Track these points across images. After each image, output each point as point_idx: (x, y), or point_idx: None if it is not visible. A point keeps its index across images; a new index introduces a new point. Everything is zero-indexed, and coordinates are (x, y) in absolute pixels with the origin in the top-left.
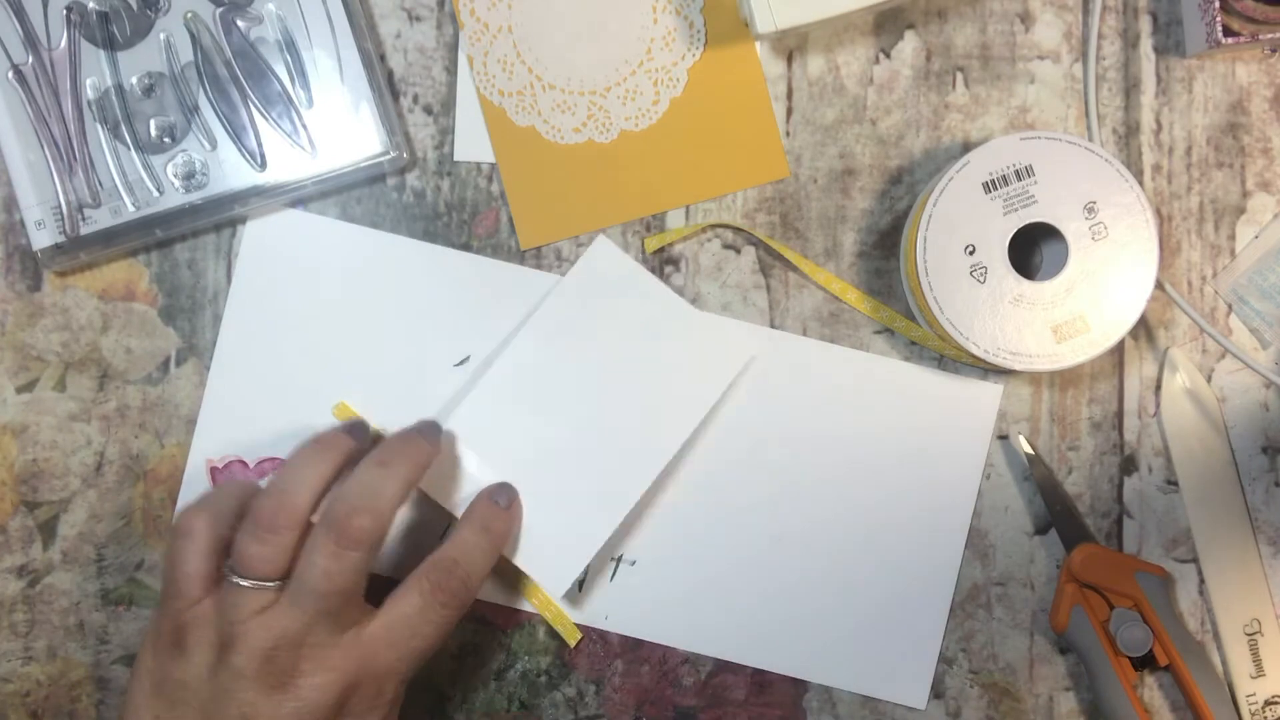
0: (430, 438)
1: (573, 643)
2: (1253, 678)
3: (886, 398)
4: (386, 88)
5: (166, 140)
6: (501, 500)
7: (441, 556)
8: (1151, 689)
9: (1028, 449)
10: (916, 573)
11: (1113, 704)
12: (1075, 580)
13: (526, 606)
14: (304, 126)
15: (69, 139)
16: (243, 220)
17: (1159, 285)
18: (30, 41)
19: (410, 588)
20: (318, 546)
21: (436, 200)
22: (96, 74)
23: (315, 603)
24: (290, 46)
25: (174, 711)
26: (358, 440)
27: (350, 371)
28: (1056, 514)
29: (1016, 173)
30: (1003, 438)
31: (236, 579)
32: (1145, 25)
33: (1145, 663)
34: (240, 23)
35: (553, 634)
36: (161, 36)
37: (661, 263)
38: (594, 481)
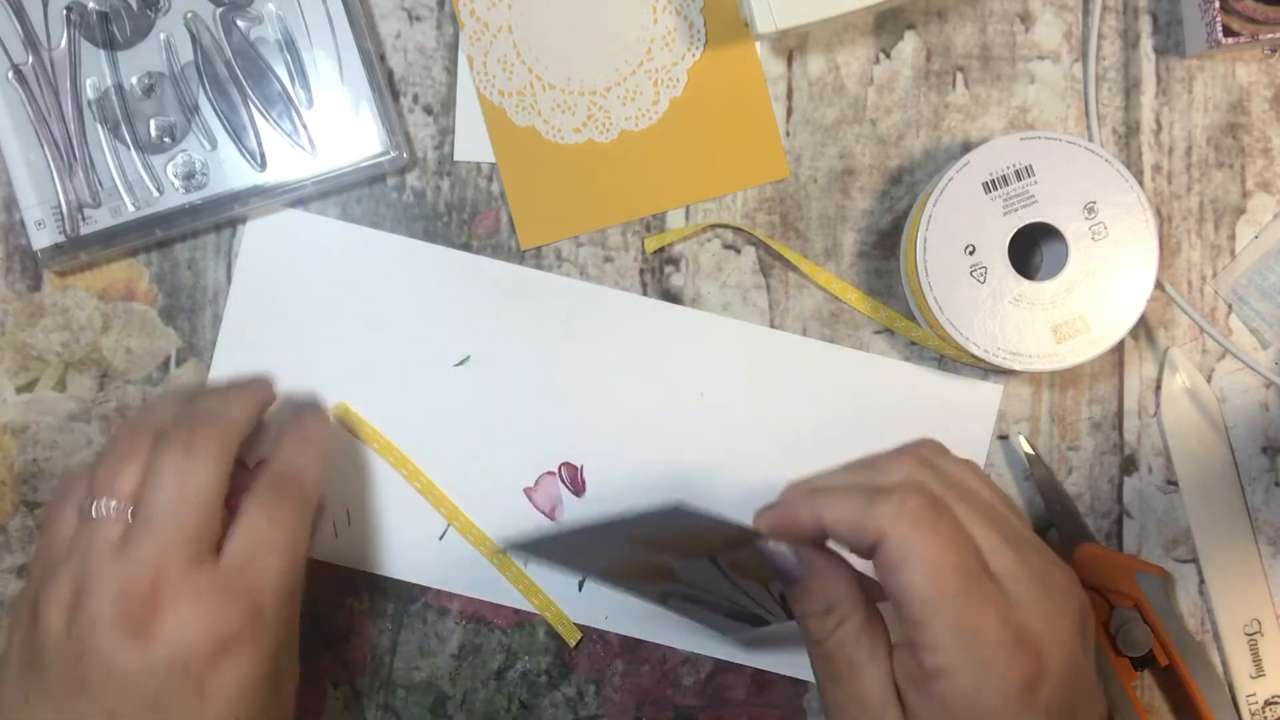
0: (272, 381)
1: (572, 642)
2: (1253, 678)
3: (886, 398)
4: (386, 88)
5: (166, 140)
6: (311, 409)
7: (272, 469)
8: (1151, 689)
9: (1028, 449)
10: None
11: (1112, 704)
12: None
13: (526, 606)
14: (304, 126)
15: (69, 139)
16: (243, 220)
17: (1159, 285)
18: (30, 41)
19: (248, 504)
20: (164, 459)
21: (436, 200)
22: (96, 74)
23: (167, 523)
24: (290, 46)
25: (41, 684)
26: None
27: (350, 371)
28: (1056, 514)
29: (1016, 173)
30: (1003, 438)
31: (92, 504)
32: (1145, 25)
33: (1145, 663)
34: (240, 23)
35: (553, 634)
36: (161, 36)
37: (661, 263)
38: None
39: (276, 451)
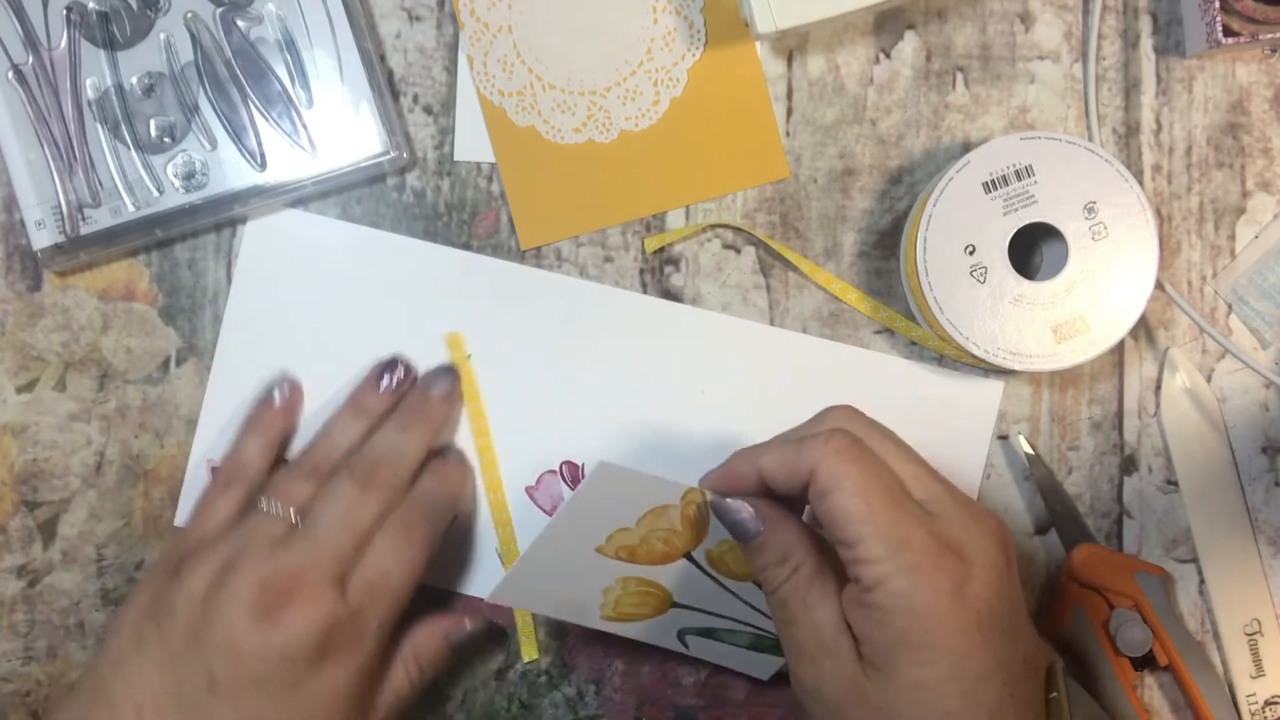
0: (446, 394)
1: (526, 659)
2: (1253, 678)
3: (886, 397)
4: (386, 88)
5: (166, 140)
6: (452, 455)
7: (408, 506)
8: (1151, 689)
9: (1028, 449)
10: None
11: (1113, 704)
12: (1075, 580)
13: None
14: (304, 126)
15: (69, 139)
16: (243, 220)
17: (1159, 285)
18: (30, 41)
19: (382, 537)
20: (340, 486)
21: (436, 200)
22: (96, 74)
23: (327, 539)
24: (290, 46)
25: (160, 631)
26: (390, 388)
27: (350, 371)
28: (1056, 514)
29: (1016, 173)
30: (1003, 438)
31: (264, 503)
32: (1145, 25)
33: (1145, 663)
34: (240, 23)
35: (552, 634)
36: (161, 36)
37: (661, 263)
38: None
39: (416, 485)
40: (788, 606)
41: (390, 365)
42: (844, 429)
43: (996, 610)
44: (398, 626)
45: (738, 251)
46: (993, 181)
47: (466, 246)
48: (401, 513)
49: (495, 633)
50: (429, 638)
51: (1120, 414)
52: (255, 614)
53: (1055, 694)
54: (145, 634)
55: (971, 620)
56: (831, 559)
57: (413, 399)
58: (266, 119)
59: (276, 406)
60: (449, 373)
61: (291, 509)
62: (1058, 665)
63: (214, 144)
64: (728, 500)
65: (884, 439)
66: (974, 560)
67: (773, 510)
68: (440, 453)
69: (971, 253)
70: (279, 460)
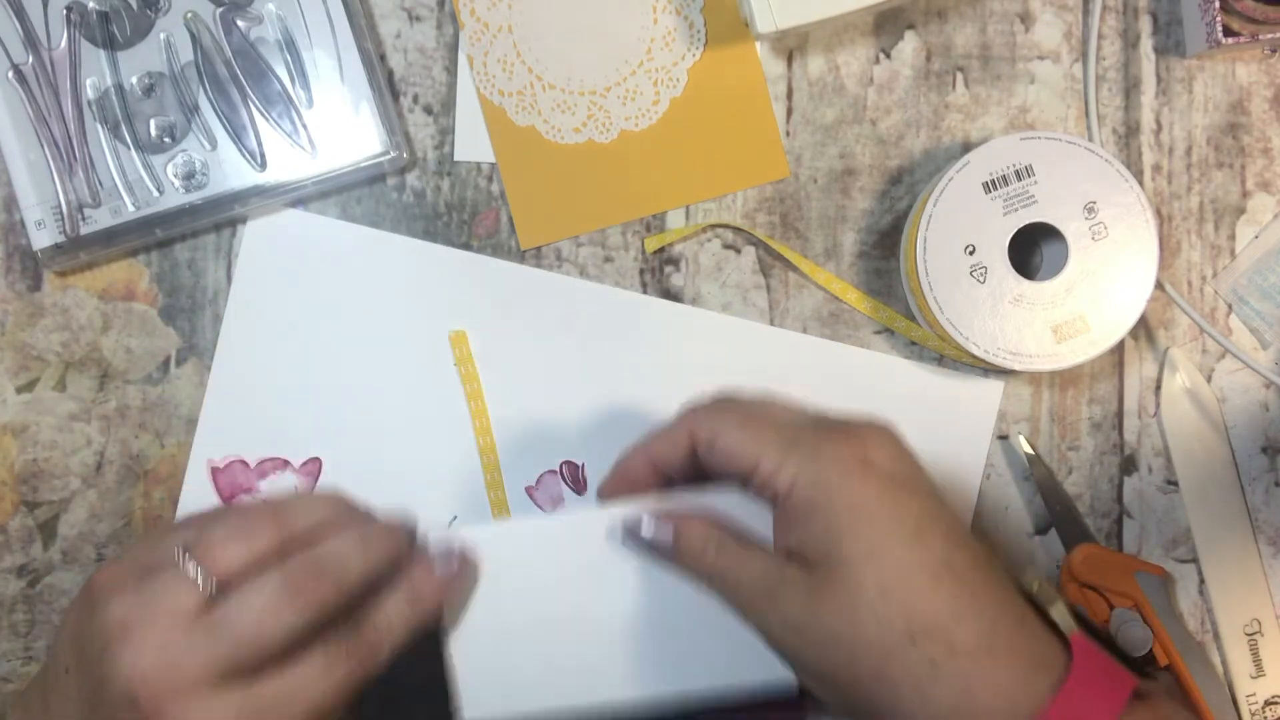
0: (446, 570)
1: None
2: (1253, 678)
3: (886, 397)
4: (386, 88)
5: (166, 140)
6: (439, 568)
7: (363, 622)
8: None
9: (1028, 449)
10: None
11: None
12: (1075, 581)
13: None
14: (304, 126)
15: (69, 139)
16: (243, 220)
17: (1159, 285)
18: (30, 41)
19: (315, 649)
20: (266, 583)
21: (436, 200)
22: (96, 74)
23: (227, 640)
24: (290, 46)
25: (78, 670)
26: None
27: (350, 371)
28: (1056, 514)
29: (1016, 173)
30: (1003, 438)
31: (182, 556)
32: (1145, 25)
33: (1145, 663)
34: (240, 23)
35: None
36: (161, 36)
37: (661, 263)
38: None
39: (376, 603)
40: (725, 578)
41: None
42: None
43: (911, 473)
44: None
45: (738, 251)
46: (993, 181)
47: (466, 246)
48: (351, 637)
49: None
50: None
51: (1120, 414)
52: (136, 710)
53: (1032, 576)
54: (70, 659)
55: (889, 481)
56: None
57: (386, 529)
58: (266, 119)
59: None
60: (455, 555)
61: (209, 573)
62: (1030, 568)
63: (214, 144)
64: (631, 525)
65: (761, 396)
66: (868, 438)
67: (673, 514)
68: (431, 562)
69: (971, 253)
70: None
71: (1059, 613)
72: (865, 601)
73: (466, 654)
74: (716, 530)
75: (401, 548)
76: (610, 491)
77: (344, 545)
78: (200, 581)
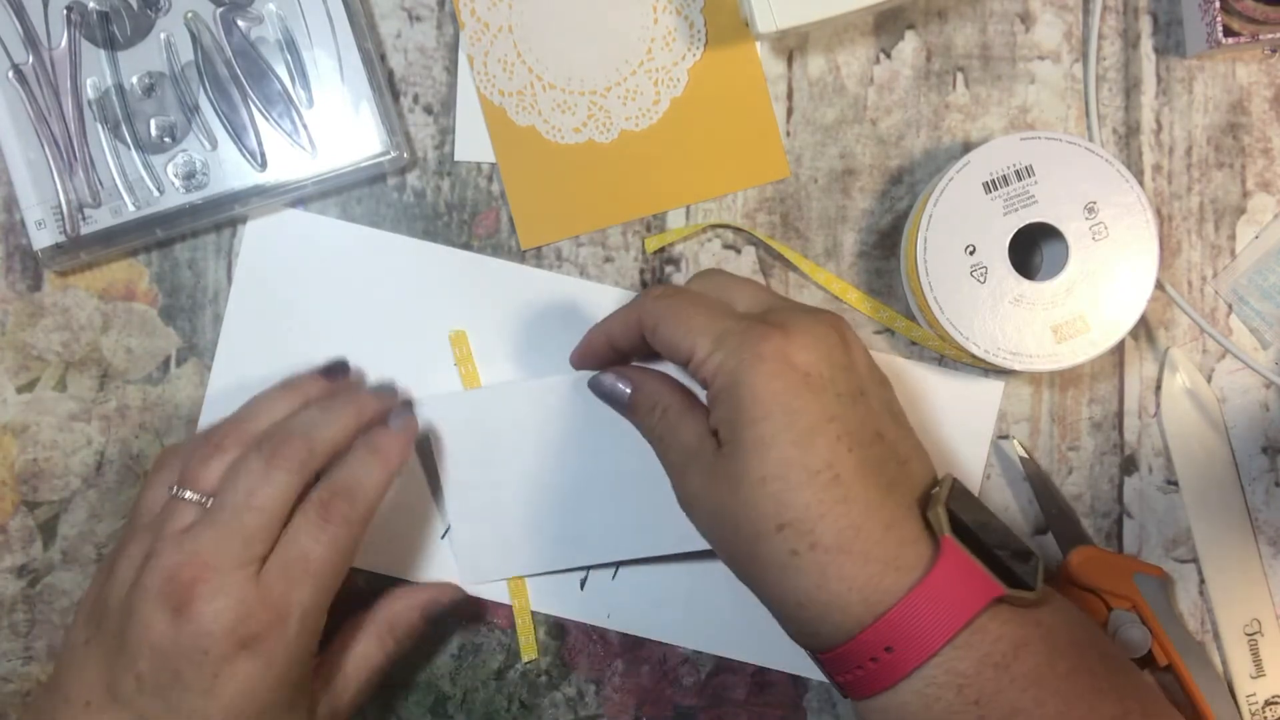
0: (393, 406)
1: (525, 659)
2: (1253, 678)
3: None
4: (387, 87)
5: (167, 140)
6: (395, 423)
7: (331, 480)
8: None
9: (1022, 453)
10: None
11: None
12: (1072, 583)
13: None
14: (304, 126)
15: (69, 139)
16: (243, 220)
17: (1159, 285)
18: (30, 41)
19: (299, 516)
20: (246, 464)
21: (437, 200)
22: (97, 74)
23: (229, 521)
24: (290, 46)
25: (100, 632)
26: (330, 380)
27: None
28: (1052, 517)
29: (1016, 173)
30: (1003, 438)
31: (175, 490)
32: (1145, 25)
33: (1145, 663)
34: (240, 22)
35: (552, 634)
36: (162, 36)
37: (662, 263)
38: (571, 520)
39: (340, 462)
40: (663, 440)
41: (338, 364)
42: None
43: (828, 375)
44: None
45: (738, 251)
46: (993, 181)
47: (466, 246)
48: (318, 491)
49: (470, 607)
50: (405, 609)
51: (1120, 414)
52: (167, 606)
53: (937, 489)
54: (89, 630)
55: (799, 380)
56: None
57: (351, 392)
58: (267, 119)
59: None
60: (407, 406)
61: (197, 492)
62: (949, 476)
63: (214, 144)
64: (598, 375)
65: (723, 277)
66: (794, 330)
67: (635, 372)
68: (383, 414)
69: (972, 253)
70: None
71: (935, 518)
72: (747, 487)
73: (459, 527)
74: (669, 393)
75: (367, 411)
76: (577, 362)
77: (309, 415)
78: (195, 499)
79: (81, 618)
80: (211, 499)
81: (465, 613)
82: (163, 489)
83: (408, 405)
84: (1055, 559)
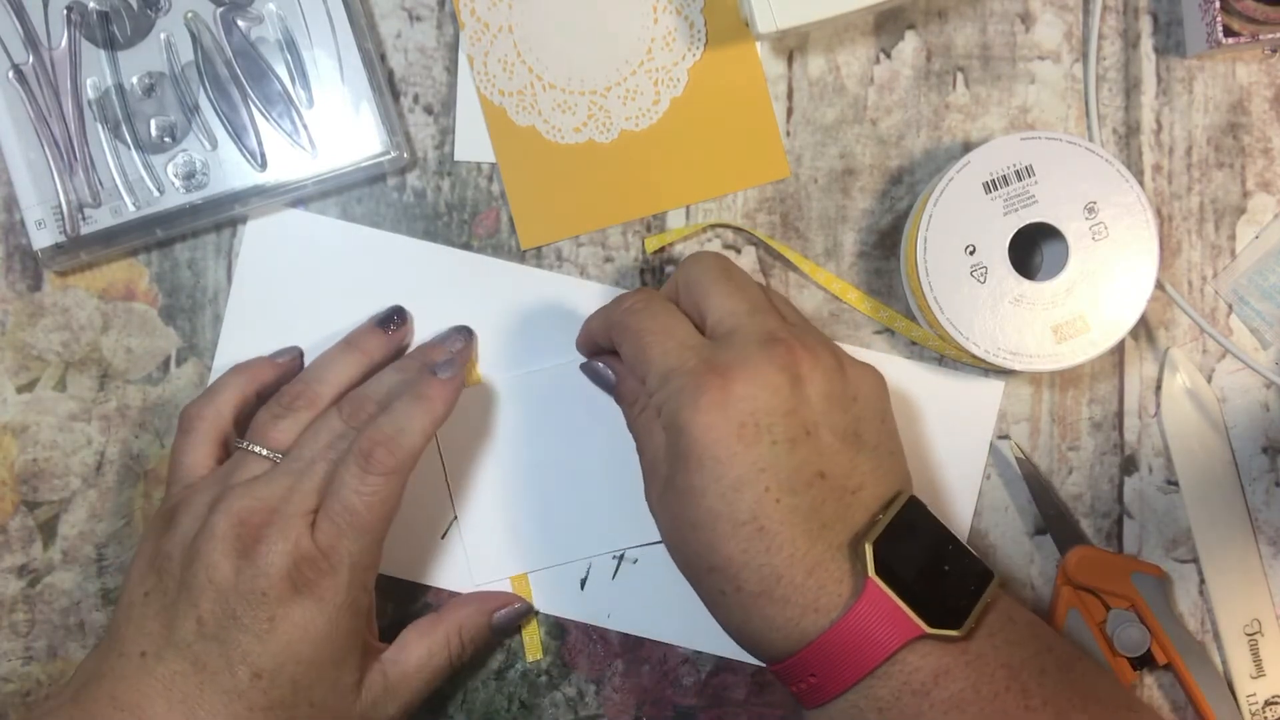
0: (456, 347)
1: (530, 659)
2: (1253, 678)
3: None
4: (387, 87)
5: (167, 140)
6: (442, 372)
7: (375, 430)
8: (1151, 689)
9: (1018, 454)
10: None
11: None
12: (1070, 583)
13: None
14: (304, 126)
15: (69, 139)
16: (243, 220)
17: (1159, 285)
18: (30, 41)
19: (343, 467)
20: (325, 423)
21: (437, 200)
22: (97, 74)
23: (304, 472)
24: (290, 46)
25: (160, 579)
26: (390, 330)
27: None
28: (1049, 518)
29: (1017, 173)
30: (1003, 438)
31: (244, 443)
32: (1145, 25)
33: (1144, 662)
34: (240, 22)
35: (552, 634)
36: (162, 36)
37: (662, 263)
38: (576, 510)
39: (385, 410)
40: (638, 438)
41: (395, 311)
42: (650, 291)
43: (766, 423)
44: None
45: (738, 251)
46: (993, 181)
47: (467, 246)
48: (360, 441)
49: (528, 612)
50: (475, 613)
51: (1120, 414)
52: (232, 549)
53: (881, 516)
54: (149, 582)
55: (732, 433)
56: None
57: (420, 348)
58: (267, 119)
59: (272, 360)
60: (462, 331)
61: (268, 448)
62: (903, 495)
63: (214, 144)
64: (590, 360)
65: (707, 274)
66: (738, 378)
67: (620, 365)
68: (429, 363)
69: (972, 253)
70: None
71: (862, 556)
72: (682, 528)
73: (466, 522)
74: (644, 390)
75: (450, 402)
76: (579, 347)
77: (385, 379)
78: (265, 454)
79: (138, 573)
80: (281, 455)
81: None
82: (198, 450)
83: (461, 337)
84: (1054, 559)
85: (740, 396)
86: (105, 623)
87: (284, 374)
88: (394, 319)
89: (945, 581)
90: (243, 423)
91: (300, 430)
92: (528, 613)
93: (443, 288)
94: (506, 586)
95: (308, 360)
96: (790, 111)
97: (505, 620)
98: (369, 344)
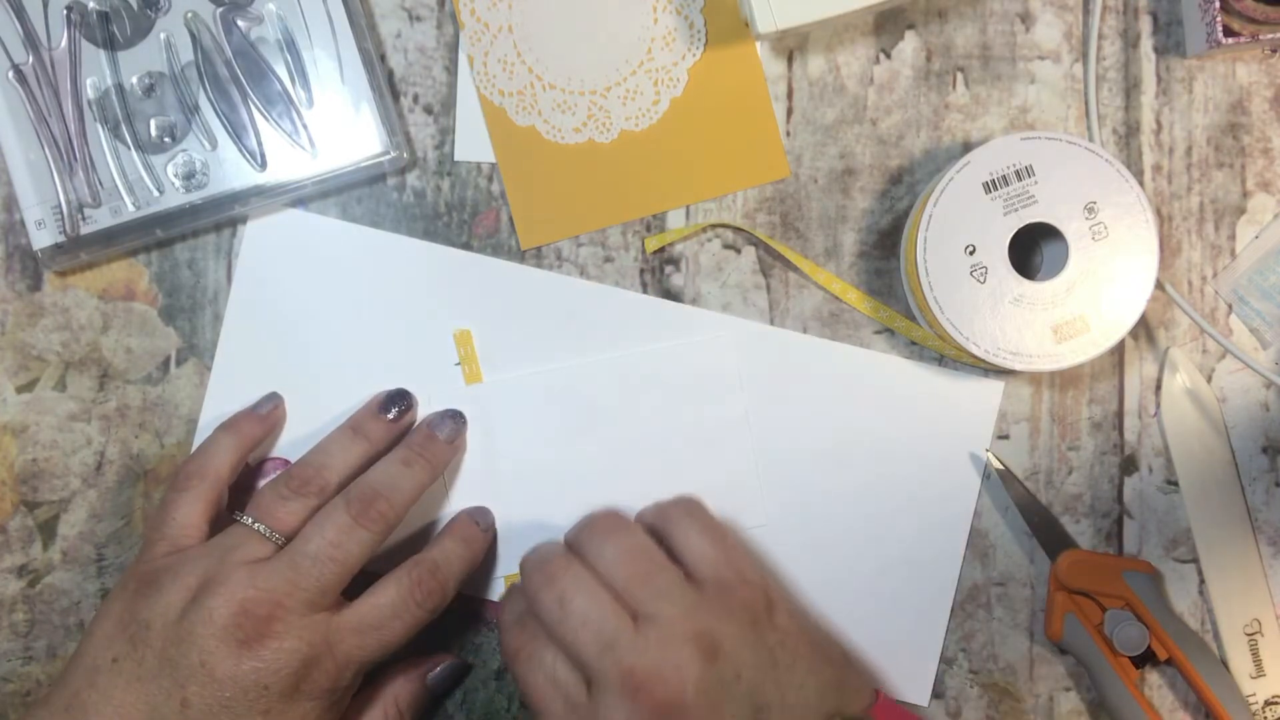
0: (452, 438)
1: None
2: (1253, 678)
3: (887, 397)
4: (387, 87)
5: (167, 140)
6: (481, 523)
7: (424, 557)
8: (1156, 685)
9: (998, 465)
10: (917, 572)
11: (1118, 705)
12: (1064, 588)
13: None
14: (304, 126)
15: (69, 139)
16: (243, 220)
17: (1159, 285)
18: (30, 41)
19: (390, 582)
20: (332, 516)
21: (437, 200)
22: (97, 74)
23: (310, 568)
24: (290, 46)
25: (135, 652)
26: (394, 416)
27: (351, 371)
28: (1035, 525)
29: (1017, 173)
30: (1003, 438)
31: (247, 519)
32: (1145, 25)
33: (1145, 659)
34: (240, 22)
35: None
36: (162, 36)
37: (661, 263)
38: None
39: (436, 541)
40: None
41: (398, 396)
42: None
43: (692, 701)
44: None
45: (738, 251)
46: (993, 181)
47: (466, 246)
48: (418, 568)
49: (465, 670)
50: (409, 681)
51: (1120, 414)
52: (232, 640)
53: None
54: (119, 648)
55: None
56: None
57: (418, 436)
58: (267, 119)
59: (257, 414)
60: (457, 417)
61: (273, 530)
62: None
63: (214, 144)
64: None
65: (684, 532)
66: (646, 681)
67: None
68: (474, 516)
69: (972, 253)
70: (245, 466)
71: None
72: None
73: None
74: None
75: (440, 465)
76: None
77: (390, 470)
78: (268, 535)
79: (103, 634)
80: (285, 538)
81: (462, 674)
82: (193, 510)
83: (485, 511)
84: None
85: (660, 684)
86: None
87: (270, 426)
88: (399, 404)
89: None
90: (235, 486)
91: (306, 515)
92: (463, 668)
93: (443, 288)
94: (503, 586)
95: (293, 408)
96: (790, 111)
97: (440, 679)
98: (375, 433)
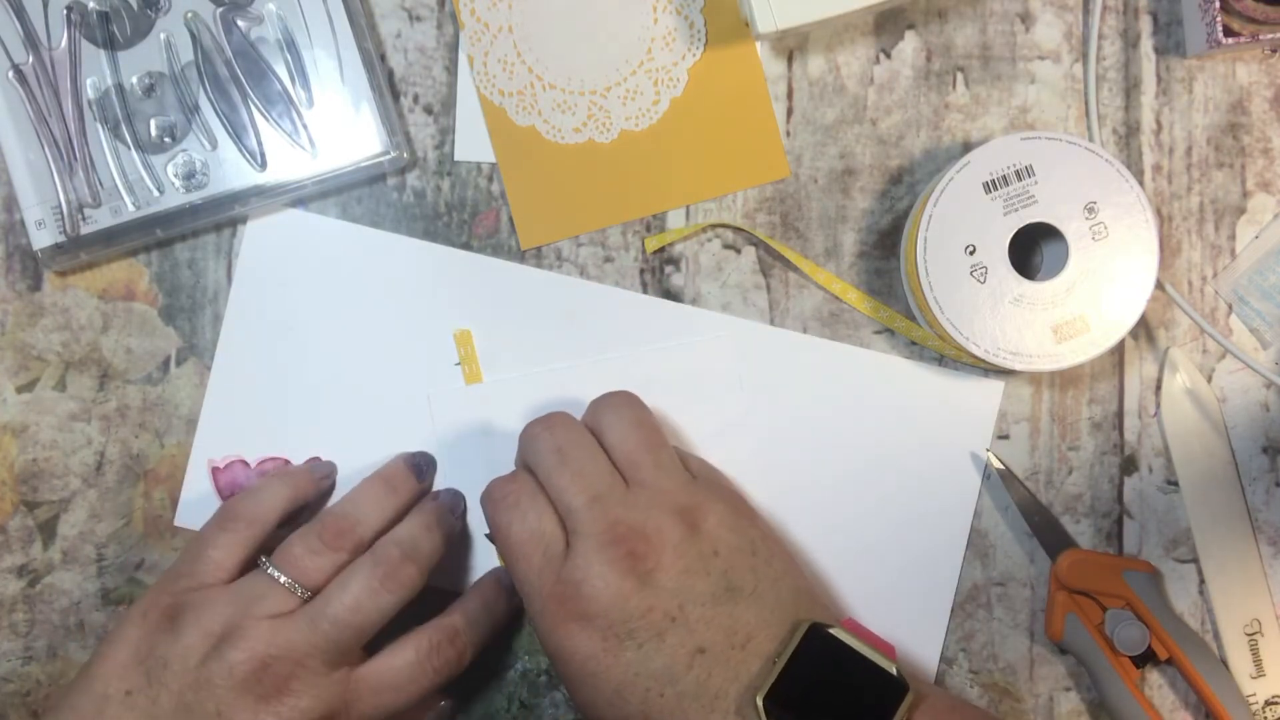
0: (464, 514)
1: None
2: (1253, 678)
3: (887, 397)
4: (387, 87)
5: (167, 140)
6: (506, 582)
7: (447, 622)
8: (1156, 685)
9: (998, 464)
10: (917, 572)
11: (1119, 705)
12: (1064, 588)
13: None
14: (304, 126)
15: (69, 139)
16: (243, 220)
17: (1159, 285)
18: (30, 41)
19: (409, 644)
20: (359, 577)
21: (437, 200)
22: (97, 74)
23: (331, 628)
24: (290, 46)
25: (150, 689)
26: (422, 480)
27: (351, 371)
28: (1035, 525)
29: (1017, 173)
30: (1003, 438)
31: (274, 571)
32: (1145, 25)
33: (1145, 659)
34: (240, 22)
35: None
36: (162, 36)
37: (661, 263)
38: None
39: (465, 602)
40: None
41: (426, 463)
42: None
43: (625, 630)
44: None
45: (738, 251)
46: (993, 181)
47: (466, 246)
48: (439, 634)
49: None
50: None
51: (1120, 414)
52: (250, 695)
53: (777, 660)
54: (133, 682)
55: (596, 648)
56: None
57: (440, 507)
58: (267, 119)
59: (314, 477)
60: (457, 494)
61: (299, 584)
62: (801, 625)
63: (214, 144)
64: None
65: (546, 469)
66: (586, 596)
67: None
68: (502, 580)
69: (972, 253)
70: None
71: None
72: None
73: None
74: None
75: (454, 535)
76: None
77: (415, 533)
78: (292, 587)
79: (117, 664)
80: (310, 592)
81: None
82: (232, 551)
83: (498, 578)
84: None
85: (593, 614)
86: (104, 623)
87: (323, 492)
88: (426, 466)
89: (862, 700)
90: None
91: (334, 571)
92: (448, 712)
93: (443, 288)
94: None
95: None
96: (790, 111)
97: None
98: (405, 489)
